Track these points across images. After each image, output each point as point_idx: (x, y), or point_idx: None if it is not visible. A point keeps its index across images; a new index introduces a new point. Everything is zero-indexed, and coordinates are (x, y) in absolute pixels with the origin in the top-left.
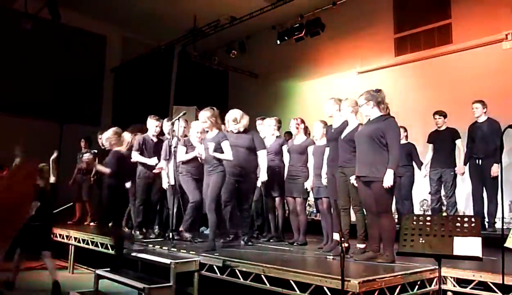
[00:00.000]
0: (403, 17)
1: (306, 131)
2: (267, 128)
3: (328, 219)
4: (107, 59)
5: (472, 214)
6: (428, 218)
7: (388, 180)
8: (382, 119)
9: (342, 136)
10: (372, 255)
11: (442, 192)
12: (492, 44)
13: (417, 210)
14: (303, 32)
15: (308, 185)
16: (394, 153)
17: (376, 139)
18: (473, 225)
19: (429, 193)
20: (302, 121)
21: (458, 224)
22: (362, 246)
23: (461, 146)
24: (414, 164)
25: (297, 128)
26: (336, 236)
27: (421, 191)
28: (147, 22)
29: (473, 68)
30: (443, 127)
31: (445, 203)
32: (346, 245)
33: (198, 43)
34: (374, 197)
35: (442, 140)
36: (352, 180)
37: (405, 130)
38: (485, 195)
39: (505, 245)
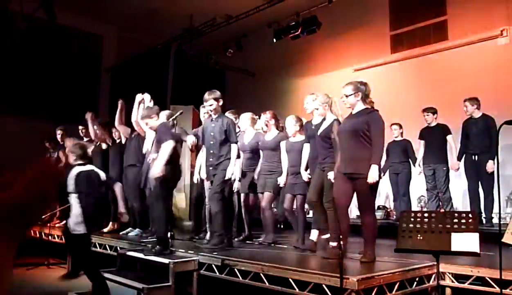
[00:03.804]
0: (399, 14)
1: (278, 126)
2: (241, 123)
3: (300, 217)
4: (103, 59)
5: (469, 209)
6: (426, 215)
7: (373, 176)
8: (366, 112)
9: (318, 132)
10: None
11: None
12: (488, 40)
13: (415, 207)
14: (299, 30)
15: (281, 180)
16: (378, 148)
17: (361, 133)
18: (470, 220)
19: (427, 190)
20: (273, 117)
21: (456, 220)
22: (335, 244)
23: (452, 142)
24: (410, 160)
25: (267, 124)
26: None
27: (418, 188)
28: (143, 21)
29: (469, 64)
30: (434, 124)
31: (426, 200)
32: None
33: (195, 42)
34: (357, 195)
35: (433, 137)
36: (330, 176)
37: (401, 127)
38: (480, 190)
39: (503, 240)
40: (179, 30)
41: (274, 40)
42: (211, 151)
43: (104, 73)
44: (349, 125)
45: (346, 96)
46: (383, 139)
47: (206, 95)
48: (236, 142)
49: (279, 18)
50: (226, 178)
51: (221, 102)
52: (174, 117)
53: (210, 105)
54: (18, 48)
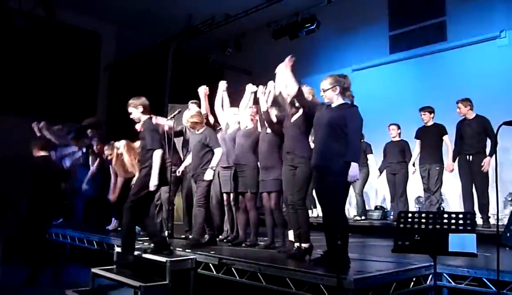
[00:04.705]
0: (398, 15)
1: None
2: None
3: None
4: (102, 57)
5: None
6: (423, 215)
7: (352, 175)
8: (345, 108)
9: (292, 119)
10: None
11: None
12: (487, 42)
13: (412, 207)
14: (299, 30)
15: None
16: (354, 145)
17: (337, 127)
18: (468, 221)
19: (424, 190)
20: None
21: (453, 221)
22: (307, 245)
23: (449, 142)
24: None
25: (252, 119)
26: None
27: (416, 188)
28: (142, 20)
29: (467, 65)
30: (430, 123)
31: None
32: (307, 245)
33: (193, 41)
34: (326, 191)
35: (429, 136)
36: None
37: (399, 127)
38: (474, 191)
39: (501, 241)
40: (178, 29)
41: (273, 39)
42: None
43: (103, 72)
44: (326, 117)
45: (324, 90)
46: (359, 137)
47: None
48: (157, 148)
49: (278, 17)
50: (151, 189)
51: (141, 109)
52: (172, 116)
53: (130, 113)
54: (16, 46)
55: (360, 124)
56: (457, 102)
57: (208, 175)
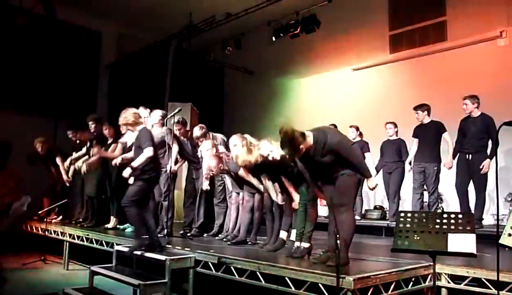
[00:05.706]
0: (398, 14)
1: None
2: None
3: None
4: (102, 55)
5: (459, 209)
6: (423, 215)
7: (373, 185)
8: (321, 148)
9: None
10: (331, 255)
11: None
12: (487, 41)
13: (410, 207)
14: (299, 29)
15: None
16: (360, 165)
17: (330, 164)
18: (467, 221)
19: (414, 188)
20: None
21: (453, 221)
22: (307, 245)
23: (449, 139)
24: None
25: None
26: (283, 235)
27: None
28: (142, 18)
29: (468, 65)
30: (427, 121)
31: (426, 199)
32: (307, 245)
33: (194, 40)
34: (337, 190)
35: (426, 134)
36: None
37: (396, 126)
38: (470, 190)
39: (500, 241)
40: (179, 28)
41: (273, 38)
42: None
43: (103, 70)
44: (315, 165)
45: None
46: (355, 154)
47: None
48: None
49: (279, 16)
50: None
51: None
52: (172, 114)
53: None
54: (17, 44)
55: (345, 142)
56: (464, 98)
57: (125, 172)
